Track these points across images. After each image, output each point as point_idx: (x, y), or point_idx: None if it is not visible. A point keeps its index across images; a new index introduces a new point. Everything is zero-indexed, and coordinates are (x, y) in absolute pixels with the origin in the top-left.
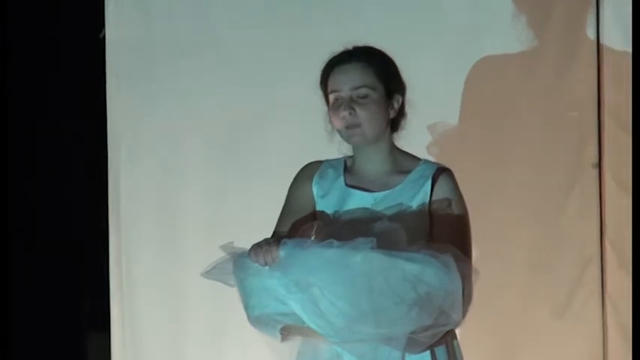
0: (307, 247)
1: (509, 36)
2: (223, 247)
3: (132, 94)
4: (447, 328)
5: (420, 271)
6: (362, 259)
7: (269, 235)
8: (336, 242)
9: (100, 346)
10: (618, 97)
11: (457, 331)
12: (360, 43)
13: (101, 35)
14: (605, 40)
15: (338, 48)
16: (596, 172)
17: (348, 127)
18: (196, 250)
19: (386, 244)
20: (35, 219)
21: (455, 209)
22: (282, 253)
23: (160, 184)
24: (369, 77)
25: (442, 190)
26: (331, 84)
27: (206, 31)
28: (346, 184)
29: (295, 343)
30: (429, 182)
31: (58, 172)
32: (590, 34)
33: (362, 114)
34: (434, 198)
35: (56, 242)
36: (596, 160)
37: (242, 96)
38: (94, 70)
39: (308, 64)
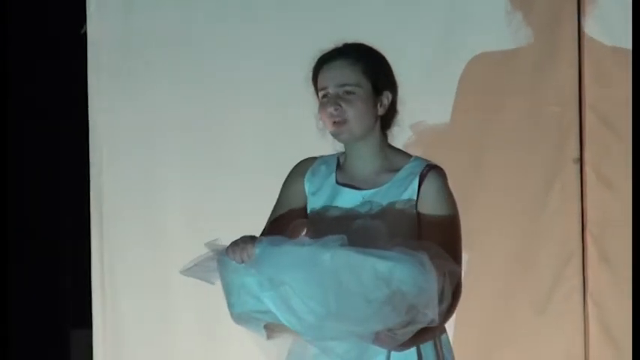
0: (280, 245)
1: (497, 33)
2: (208, 245)
3: (113, 90)
4: (422, 326)
5: (391, 269)
6: (330, 257)
7: (249, 232)
8: (307, 240)
9: (82, 341)
10: (600, 93)
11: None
12: (350, 40)
13: (82, 31)
14: (587, 36)
15: (324, 44)
16: (577, 167)
17: (335, 123)
18: (178, 245)
19: (364, 240)
20: (17, 214)
21: (442, 209)
22: (257, 250)
23: (142, 179)
24: (356, 74)
25: (429, 188)
26: (320, 81)
27: (186, 28)
28: (337, 182)
29: (286, 342)
30: (417, 180)
31: (40, 168)
32: (573, 29)
33: (348, 110)
34: (420, 196)
35: (38, 238)
36: (578, 156)
37: (223, 92)
38: (76, 65)
39: (291, 59)
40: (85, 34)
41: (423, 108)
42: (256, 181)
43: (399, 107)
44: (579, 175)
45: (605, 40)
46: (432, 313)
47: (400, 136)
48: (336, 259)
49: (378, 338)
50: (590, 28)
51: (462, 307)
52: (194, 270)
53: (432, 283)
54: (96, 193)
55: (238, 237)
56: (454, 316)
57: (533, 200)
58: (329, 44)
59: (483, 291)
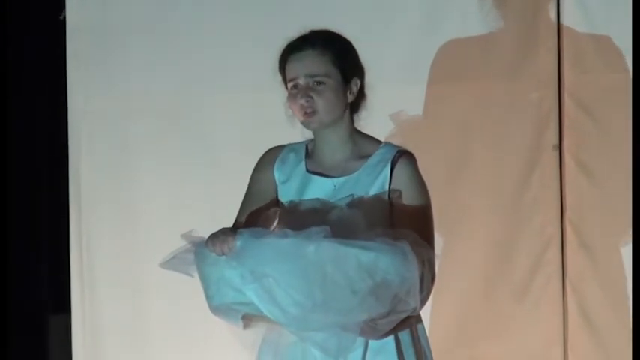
0: (262, 237)
1: (473, 19)
2: (184, 236)
3: (91, 76)
4: (405, 315)
5: (375, 259)
6: (314, 249)
7: (229, 220)
8: (290, 232)
9: (60, 326)
10: (579, 79)
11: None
12: (318, 27)
13: (61, 17)
14: (566, 22)
15: (295, 33)
16: (556, 153)
17: (306, 113)
18: (155, 232)
19: (343, 231)
20: None
21: (414, 195)
22: (238, 242)
23: (119, 166)
24: (325, 64)
25: (401, 175)
26: (288, 72)
27: (164, 15)
28: (307, 170)
29: (260, 330)
30: (388, 167)
31: (18, 154)
32: (551, 15)
33: (319, 101)
34: (393, 182)
35: (17, 224)
36: (557, 142)
37: (200, 79)
38: (55, 51)
39: (267, 45)
40: (64, 19)
41: (402, 97)
42: (233, 168)
43: (367, 91)
44: (558, 162)
45: (584, 27)
46: (414, 302)
47: (380, 125)
48: (320, 250)
49: (361, 330)
50: (569, 13)
51: (441, 294)
52: (172, 262)
53: (414, 271)
54: (74, 180)
55: (215, 225)
56: (433, 302)
57: (513, 187)
58: (304, 30)
59: (462, 277)
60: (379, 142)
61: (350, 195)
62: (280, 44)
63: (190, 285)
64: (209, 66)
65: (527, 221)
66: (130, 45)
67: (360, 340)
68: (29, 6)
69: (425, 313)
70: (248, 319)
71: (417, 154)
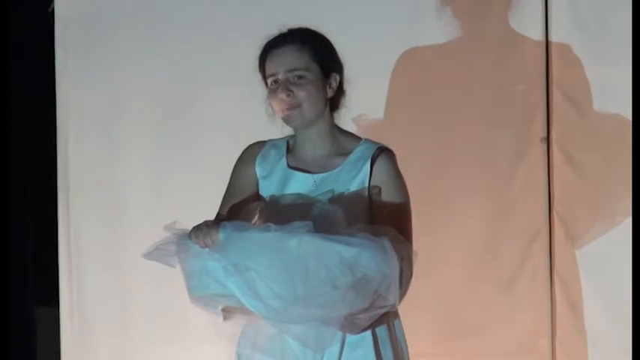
0: (245, 231)
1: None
2: (166, 228)
3: (79, 67)
4: (384, 311)
5: (356, 255)
6: (297, 243)
7: (213, 211)
8: (273, 226)
9: (47, 318)
10: (566, 71)
11: (400, 309)
12: (305, 21)
13: (50, 9)
14: (553, 15)
15: (273, 30)
16: (544, 146)
17: (288, 108)
18: (141, 222)
19: (324, 226)
20: None
21: (393, 192)
22: (221, 235)
23: (107, 156)
24: (304, 59)
25: (381, 172)
26: (268, 68)
27: (153, 6)
28: (288, 166)
29: (239, 322)
30: (368, 163)
31: (6, 144)
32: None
33: (300, 94)
34: (372, 179)
35: (4, 214)
36: (544, 135)
37: (189, 70)
38: (43, 42)
39: (258, 36)
40: (53, 11)
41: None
42: (218, 160)
43: (346, 87)
44: (546, 154)
45: (571, 21)
46: (393, 298)
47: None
48: (302, 245)
49: (341, 325)
50: (555, 6)
51: (428, 287)
52: (155, 253)
53: (394, 268)
54: (62, 171)
55: (199, 216)
56: (420, 295)
57: (500, 179)
58: (283, 28)
59: (449, 269)
60: (359, 138)
61: (330, 190)
62: (267, 35)
63: (178, 277)
64: (197, 59)
65: (515, 213)
66: (118, 37)
67: (338, 335)
68: None
69: (412, 305)
70: (228, 311)
71: (401, 147)
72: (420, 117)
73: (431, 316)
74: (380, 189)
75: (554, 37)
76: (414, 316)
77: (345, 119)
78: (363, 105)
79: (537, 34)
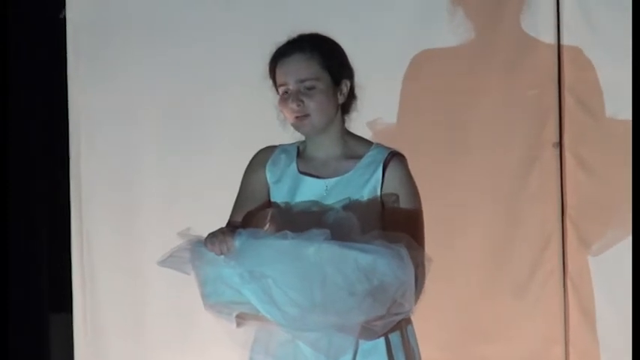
0: (262, 238)
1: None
2: (180, 234)
3: (91, 73)
4: (400, 317)
5: (373, 262)
6: (315, 251)
7: (224, 213)
8: (290, 233)
9: (61, 325)
10: (579, 76)
11: (412, 315)
12: (313, 25)
13: (62, 16)
14: (565, 19)
15: (285, 35)
16: (556, 151)
17: (298, 117)
18: (155, 229)
19: (339, 233)
20: None
21: (406, 198)
22: (237, 243)
23: (120, 162)
24: (314, 67)
25: (393, 176)
26: (278, 77)
27: (163, 11)
28: (299, 171)
29: (252, 329)
30: (380, 169)
31: (19, 152)
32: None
33: (310, 104)
34: (385, 185)
35: (18, 222)
36: (557, 140)
37: (201, 75)
38: (55, 49)
39: (269, 40)
40: (65, 18)
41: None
42: (234, 163)
43: (358, 92)
44: (559, 159)
45: (583, 24)
46: (408, 304)
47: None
48: (320, 252)
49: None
50: (568, 11)
51: (441, 293)
52: (170, 261)
53: (410, 275)
54: (75, 176)
55: (211, 220)
56: (433, 301)
57: (513, 184)
58: (292, 33)
59: (462, 275)
60: (370, 142)
61: (347, 197)
62: (276, 41)
63: (191, 283)
64: (209, 62)
65: (527, 218)
66: (129, 42)
67: (350, 341)
68: (29, 5)
69: (423, 311)
70: (241, 317)
71: (413, 152)
72: (432, 122)
73: (443, 322)
74: (397, 196)
75: (565, 41)
76: (426, 321)
77: (361, 123)
78: (375, 109)
79: (549, 37)
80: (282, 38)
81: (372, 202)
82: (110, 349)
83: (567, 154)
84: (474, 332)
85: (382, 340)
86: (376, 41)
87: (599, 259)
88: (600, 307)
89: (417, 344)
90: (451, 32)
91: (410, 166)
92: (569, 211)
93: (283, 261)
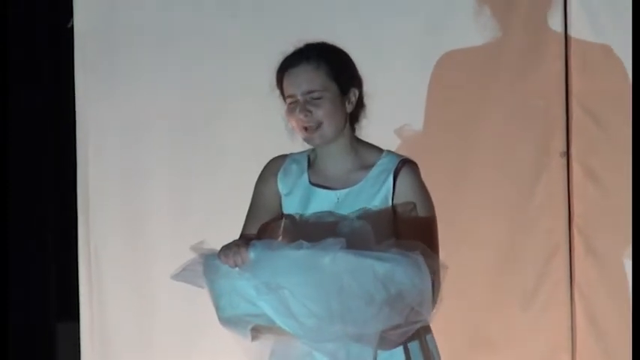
0: (276, 249)
1: (472, 29)
2: (193, 248)
3: (99, 83)
4: (418, 326)
5: (391, 271)
6: (331, 260)
7: (236, 226)
8: (305, 244)
9: (68, 334)
10: (586, 86)
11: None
12: (321, 34)
13: (69, 25)
14: (573, 29)
15: (296, 40)
16: (563, 160)
17: (307, 128)
18: (163, 239)
19: (355, 242)
20: (1, 207)
21: (419, 205)
22: (251, 254)
23: (128, 172)
24: (321, 78)
25: (404, 185)
26: (285, 88)
27: (171, 22)
28: (310, 182)
29: (268, 342)
30: (391, 178)
31: (27, 161)
32: (558, 22)
33: (318, 114)
34: (396, 193)
35: (25, 232)
36: (564, 149)
37: (209, 85)
38: (62, 58)
39: (277, 50)
40: (72, 27)
41: (407, 112)
42: (244, 174)
43: (367, 101)
44: (566, 169)
45: (591, 37)
46: (426, 313)
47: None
48: (336, 262)
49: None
50: (575, 20)
51: (448, 301)
52: (183, 275)
53: (427, 283)
54: (82, 186)
55: (221, 232)
56: (441, 310)
57: (520, 194)
58: (299, 43)
59: (470, 284)
60: (381, 150)
61: (355, 205)
62: (283, 51)
63: (199, 294)
64: (217, 73)
65: (535, 228)
66: (137, 52)
67: (369, 351)
68: (37, 14)
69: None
70: (257, 330)
71: (421, 162)
72: (440, 131)
73: (449, 331)
74: (414, 204)
75: (573, 49)
76: (434, 330)
77: (389, 131)
78: (382, 118)
79: (556, 48)
80: (292, 47)
81: (384, 211)
82: (117, 358)
83: (574, 164)
84: (480, 342)
85: (401, 349)
86: (389, 47)
87: (606, 268)
88: (607, 316)
89: (437, 352)
90: (463, 37)
91: (430, 174)
92: (576, 220)
93: (299, 272)
